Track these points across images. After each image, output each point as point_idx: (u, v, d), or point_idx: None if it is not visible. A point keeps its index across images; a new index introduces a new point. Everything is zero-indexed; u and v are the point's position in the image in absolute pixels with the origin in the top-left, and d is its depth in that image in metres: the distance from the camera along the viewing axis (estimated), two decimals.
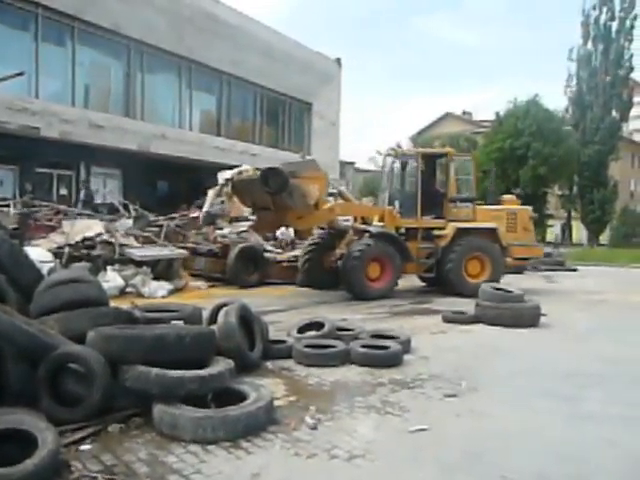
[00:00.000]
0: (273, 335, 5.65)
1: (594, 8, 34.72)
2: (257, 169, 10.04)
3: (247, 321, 4.92)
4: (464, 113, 58.41)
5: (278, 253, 12.42)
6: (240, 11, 21.77)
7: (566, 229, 42.02)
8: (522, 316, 7.25)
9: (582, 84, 35.46)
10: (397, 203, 10.86)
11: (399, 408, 3.98)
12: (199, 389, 3.52)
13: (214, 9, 20.32)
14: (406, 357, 5.34)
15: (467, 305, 8.09)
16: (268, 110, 24.51)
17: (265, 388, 3.86)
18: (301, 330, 5.85)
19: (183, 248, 11.16)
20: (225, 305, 5.08)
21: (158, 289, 9.26)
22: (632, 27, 34.20)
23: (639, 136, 46.73)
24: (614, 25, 34.55)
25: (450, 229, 10.42)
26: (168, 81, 20.35)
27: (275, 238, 13.97)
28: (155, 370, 3.44)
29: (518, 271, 15.31)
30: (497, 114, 36.11)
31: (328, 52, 27.54)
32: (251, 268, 11.15)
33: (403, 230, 10.82)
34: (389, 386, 4.51)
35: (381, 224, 10.38)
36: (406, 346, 5.57)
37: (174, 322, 4.86)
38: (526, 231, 11.50)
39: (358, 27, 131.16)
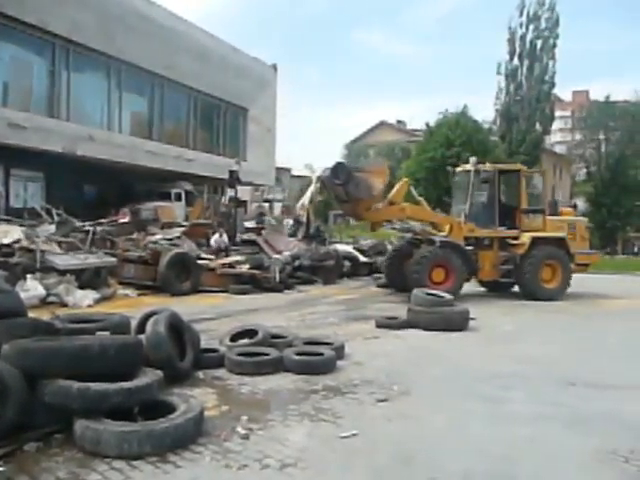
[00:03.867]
0: (205, 344, 5.53)
1: (520, 26, 36.66)
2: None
3: (177, 330, 4.78)
4: (398, 122, 59.92)
5: (212, 260, 12.18)
6: (174, 13, 21.32)
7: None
8: (452, 320, 7.48)
9: (509, 98, 37.26)
10: (464, 214, 11.54)
11: (332, 414, 3.99)
12: (125, 402, 3.39)
13: (147, 9, 19.74)
14: (340, 363, 5.37)
15: (400, 310, 8.25)
16: (203, 114, 24.06)
17: (195, 399, 3.77)
18: (234, 338, 5.75)
19: (112, 255, 10.73)
20: (154, 314, 4.91)
21: (84, 298, 8.85)
22: (555, 46, 36.35)
23: (560, 148, 49.69)
24: (539, 43, 36.59)
25: (527, 238, 11.36)
26: (97, 81, 19.52)
27: (209, 244, 13.74)
28: (77, 384, 3.27)
29: None
30: (427, 125, 37.28)
31: (264, 58, 27.51)
32: (183, 275, 10.87)
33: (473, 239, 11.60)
34: (322, 393, 4.51)
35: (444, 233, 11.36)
36: (340, 352, 5.61)
37: (99, 333, 4.64)
38: (584, 240, 12.33)
39: (294, 36, 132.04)
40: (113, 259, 10.55)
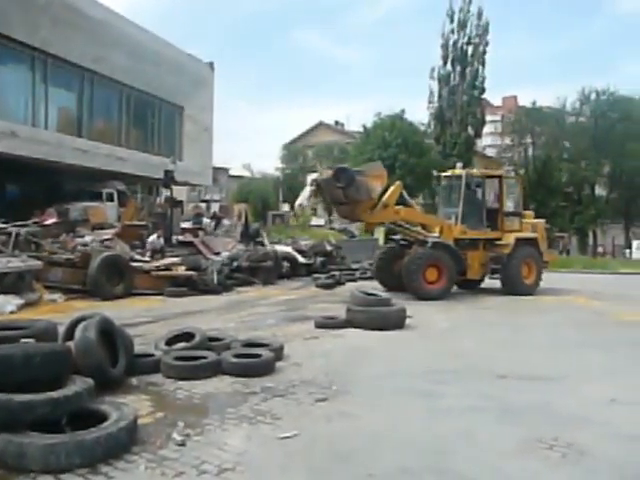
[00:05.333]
0: (139, 349, 5.36)
1: (452, 32, 37.88)
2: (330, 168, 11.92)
3: (109, 335, 4.60)
4: (337, 123, 60.48)
5: (146, 262, 11.82)
6: (104, 5, 20.51)
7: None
8: (389, 319, 7.62)
9: (442, 102, 38.42)
10: (455, 217, 12.21)
11: (271, 416, 3.96)
12: (51, 413, 3.23)
13: (74, 0, 18.91)
14: (279, 364, 5.34)
15: (339, 310, 8.32)
16: (136, 112, 23.28)
17: (128, 406, 3.65)
18: (170, 342, 5.59)
19: (37, 258, 10.18)
20: (84, 319, 4.69)
21: (5, 304, 8.34)
22: (485, 52, 37.82)
23: (491, 151, 51.83)
24: (469, 49, 37.95)
25: (511, 239, 12.30)
26: (19, 74, 18.46)
27: (143, 246, 13.32)
28: None
29: None
30: (364, 127, 37.87)
31: (201, 57, 27.01)
32: (116, 278, 10.44)
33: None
34: (261, 395, 4.47)
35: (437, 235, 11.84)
36: (279, 353, 5.58)
37: (23, 340, 4.39)
38: (544, 239, 13.22)
39: (231, 34, 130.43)
40: (38, 262, 10.00)
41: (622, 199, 42.23)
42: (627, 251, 36.82)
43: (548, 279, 13.23)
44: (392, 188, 11.58)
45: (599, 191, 43.48)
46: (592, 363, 5.89)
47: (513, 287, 12.25)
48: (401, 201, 11.96)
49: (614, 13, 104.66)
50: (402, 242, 12.45)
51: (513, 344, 6.93)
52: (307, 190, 11.72)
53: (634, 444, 3.57)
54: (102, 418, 3.35)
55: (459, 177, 12.59)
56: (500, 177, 12.96)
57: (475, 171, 13.02)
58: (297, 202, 12.37)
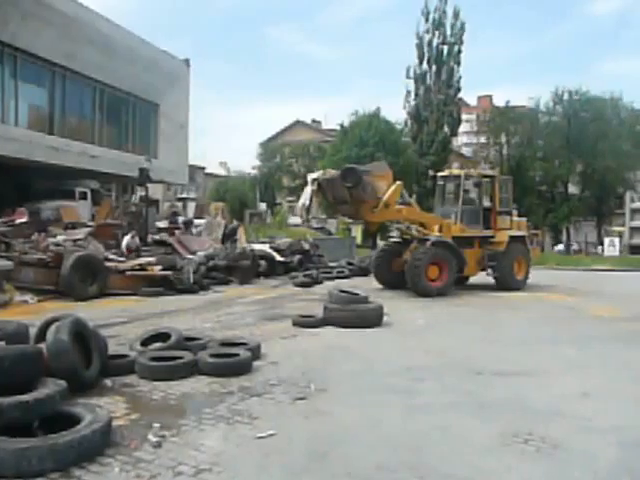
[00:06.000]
0: (114, 350, 5.28)
1: (427, 31, 38.14)
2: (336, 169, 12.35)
3: (82, 336, 4.51)
4: (313, 122, 60.45)
5: (121, 262, 11.63)
6: (77, 0, 20.08)
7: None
8: (366, 317, 7.64)
9: (419, 101, 38.68)
10: (455, 215, 12.63)
11: (248, 416, 3.93)
12: (23, 417, 3.16)
13: None
14: (256, 364, 5.31)
15: (316, 309, 8.31)
16: (109, 109, 22.87)
17: (102, 408, 3.59)
18: (145, 342, 5.51)
19: (7, 258, 9.94)
20: (56, 320, 4.60)
21: None
22: (460, 52, 38.18)
23: (467, 150, 52.42)
24: (445, 49, 38.26)
25: (504, 236, 12.76)
26: None
27: (118, 246, 13.12)
28: None
29: (364, 274, 16.20)
30: (341, 125, 37.94)
31: (176, 53, 26.67)
32: (89, 279, 10.25)
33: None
34: (238, 394, 4.44)
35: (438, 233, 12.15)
36: (256, 352, 5.55)
37: None
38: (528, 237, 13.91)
39: (208, 31, 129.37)
40: (9, 262, 9.77)
41: (594, 197, 43.18)
42: (599, 248, 37.64)
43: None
44: (393, 188, 11.79)
45: (572, 189, 44.33)
46: (565, 358, 6.00)
47: (507, 283, 12.68)
48: (401, 200, 12.27)
49: (586, 15, 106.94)
50: (397, 240, 12.80)
51: (489, 340, 7.01)
52: (308, 190, 11.82)
53: (605, 436, 3.64)
54: (75, 421, 3.29)
55: (457, 177, 13.08)
56: (493, 177, 13.44)
57: (473, 171, 13.57)
58: (299, 203, 12.44)
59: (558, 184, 43.23)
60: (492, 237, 12.85)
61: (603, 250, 34.69)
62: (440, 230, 12.28)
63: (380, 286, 12.68)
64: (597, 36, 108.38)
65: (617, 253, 30.86)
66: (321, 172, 12.25)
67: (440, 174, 14.03)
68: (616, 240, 34.02)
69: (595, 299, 11.48)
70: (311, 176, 12.19)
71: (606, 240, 35.39)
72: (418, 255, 11.56)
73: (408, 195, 13.77)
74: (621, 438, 3.61)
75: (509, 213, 13.50)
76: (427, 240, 11.77)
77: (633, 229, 56.63)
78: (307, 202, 11.78)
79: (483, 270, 12.95)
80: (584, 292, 12.78)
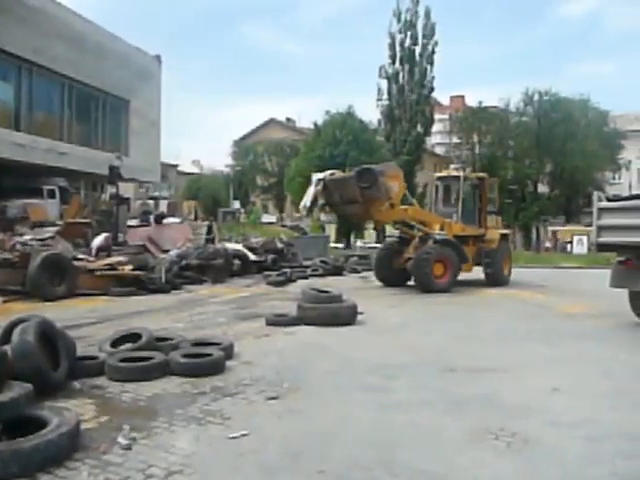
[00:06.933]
0: (82, 351, 5.16)
1: (400, 31, 38.35)
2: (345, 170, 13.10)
3: (49, 338, 4.40)
4: (288, 120, 60.25)
5: (90, 261, 11.40)
6: None
7: (381, 232, 45.75)
8: (341, 315, 7.64)
9: (392, 100, 38.88)
10: (456, 215, 13.21)
11: (220, 416, 3.89)
12: None
13: None
14: (229, 363, 5.25)
15: (290, 307, 8.29)
16: (79, 105, 22.41)
17: (70, 411, 3.51)
18: (115, 343, 5.40)
19: None
20: (22, 321, 4.46)
21: None
22: (433, 52, 38.50)
23: (440, 149, 52.97)
24: (417, 49, 38.53)
25: (496, 234, 13.63)
26: None
27: (87, 245, 12.86)
28: None
29: (338, 273, 16.24)
30: (315, 124, 37.92)
31: (148, 50, 26.28)
32: (57, 279, 10.01)
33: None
34: (211, 395, 4.38)
35: (442, 232, 12.61)
36: (229, 352, 5.50)
37: None
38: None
39: (180, 30, 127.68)
40: None
41: (563, 196, 44.11)
42: (568, 246, 38.44)
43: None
44: (396, 182, 12.14)
45: (542, 188, 45.21)
46: (535, 354, 6.10)
47: (498, 279, 13.26)
48: (405, 200, 12.69)
49: (556, 17, 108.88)
50: (396, 240, 13.28)
51: (461, 338, 7.08)
52: (311, 190, 11.92)
53: (574, 431, 3.71)
54: (42, 425, 3.20)
55: (456, 178, 13.75)
56: (484, 179, 14.25)
57: (470, 173, 14.46)
58: (302, 204, 12.58)
59: (528, 183, 44.04)
60: (484, 235, 13.45)
61: (572, 248, 35.45)
62: (441, 229, 12.73)
63: (353, 285, 12.77)
64: (566, 39, 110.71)
65: (585, 251, 31.55)
66: (327, 173, 12.38)
67: (437, 175, 14.71)
68: (584, 238, 34.80)
69: (564, 296, 11.71)
70: (316, 176, 12.31)
71: (575, 238, 36.16)
72: (425, 253, 11.95)
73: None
74: (589, 432, 3.68)
75: (495, 213, 14.28)
76: (432, 238, 12.23)
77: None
78: (309, 203, 11.98)
79: (476, 266, 13.48)
80: (554, 290, 13.04)
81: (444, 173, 14.70)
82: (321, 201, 12.11)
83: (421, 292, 11.84)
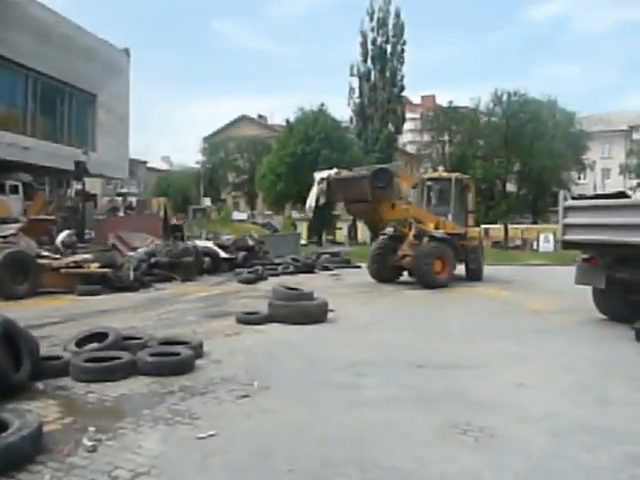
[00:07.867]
0: (46, 351, 5.03)
1: (372, 30, 38.55)
2: (351, 169, 13.01)
3: (11, 337, 4.26)
4: (260, 117, 59.94)
5: (55, 259, 11.11)
6: None
7: (352, 230, 45.88)
8: (311, 313, 7.63)
9: (364, 98, 39.05)
10: (450, 215, 13.80)
11: (189, 416, 3.84)
12: None
13: None
14: (198, 362, 5.19)
15: (261, 305, 8.24)
16: (43, 98, 21.81)
17: (32, 413, 3.41)
18: (80, 343, 5.28)
19: None
20: None
21: None
22: (403, 51, 38.80)
23: (411, 147, 53.46)
24: (388, 48, 38.77)
25: (475, 232, 14.60)
26: None
27: (52, 242, 12.54)
28: None
29: (309, 270, 16.21)
30: (287, 121, 37.85)
31: (116, 43, 25.73)
32: (20, 276, 9.71)
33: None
34: (179, 394, 4.32)
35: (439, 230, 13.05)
36: (198, 351, 5.43)
37: None
38: None
39: (150, 25, 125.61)
40: None
41: (531, 195, 45.06)
42: (535, 243, 39.27)
43: (462, 271, 13.91)
44: (405, 182, 12.51)
45: (510, 187, 46.10)
46: (503, 351, 6.20)
47: (478, 274, 14.00)
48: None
49: (526, 20, 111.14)
50: (393, 236, 13.54)
51: (430, 335, 7.16)
52: (315, 190, 11.95)
53: (539, 425, 3.78)
54: (3, 427, 3.11)
55: (447, 179, 14.52)
56: (469, 180, 15.06)
57: (460, 175, 15.06)
58: (307, 205, 12.62)
59: (497, 182, 44.83)
60: (467, 233, 13.95)
61: (538, 246, 36.20)
62: (436, 227, 13.16)
63: (325, 283, 12.75)
64: (535, 41, 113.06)
65: (551, 249, 32.27)
66: (332, 172, 12.48)
67: (428, 176, 15.49)
68: (550, 236, 35.58)
69: (530, 293, 11.95)
70: (320, 175, 12.32)
71: (541, 236, 36.95)
72: (427, 250, 12.37)
73: None
74: (552, 426, 3.76)
75: (472, 212, 15.01)
76: (432, 236, 12.65)
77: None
78: (313, 203, 12.10)
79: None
80: (519, 286, 13.29)
81: (435, 174, 15.63)
82: (323, 200, 12.18)
83: (422, 288, 12.17)
